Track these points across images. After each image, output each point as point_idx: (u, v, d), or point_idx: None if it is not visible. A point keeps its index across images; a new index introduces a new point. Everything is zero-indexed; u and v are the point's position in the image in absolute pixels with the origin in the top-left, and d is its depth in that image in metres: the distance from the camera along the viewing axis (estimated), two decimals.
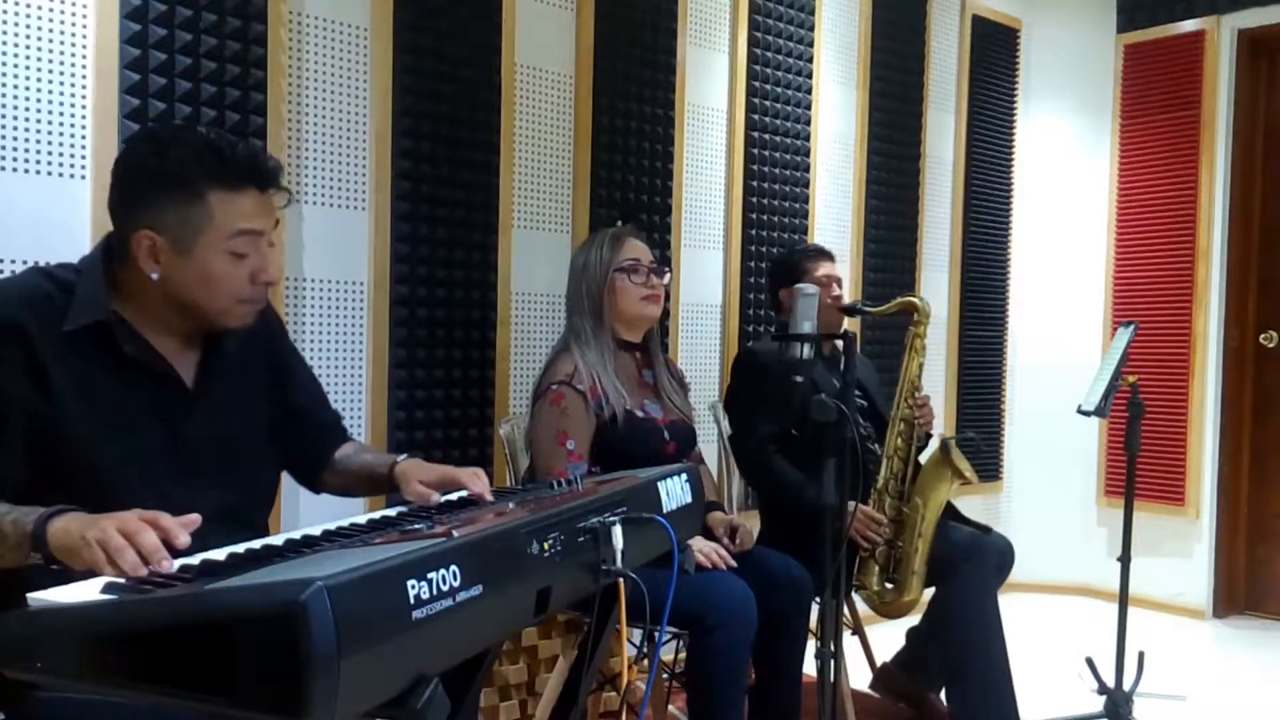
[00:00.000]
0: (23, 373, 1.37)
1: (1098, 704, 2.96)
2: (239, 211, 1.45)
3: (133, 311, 1.47)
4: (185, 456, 1.49)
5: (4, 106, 2.05)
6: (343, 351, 2.54)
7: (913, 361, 2.81)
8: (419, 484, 1.59)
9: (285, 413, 1.69)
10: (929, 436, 2.86)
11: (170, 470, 1.45)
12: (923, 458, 2.81)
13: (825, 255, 2.96)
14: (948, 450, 2.68)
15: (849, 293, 2.94)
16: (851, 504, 2.63)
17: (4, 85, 2.05)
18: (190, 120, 2.24)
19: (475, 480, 1.59)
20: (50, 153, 2.11)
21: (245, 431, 1.60)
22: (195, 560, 1.17)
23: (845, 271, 3.02)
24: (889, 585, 2.73)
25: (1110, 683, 2.93)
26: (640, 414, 2.37)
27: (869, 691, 3.08)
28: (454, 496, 1.60)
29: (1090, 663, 3.04)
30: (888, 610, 2.75)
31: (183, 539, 1.19)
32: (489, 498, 1.58)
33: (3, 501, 1.30)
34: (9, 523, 1.26)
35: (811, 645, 2.33)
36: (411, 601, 0.98)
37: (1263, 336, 4.29)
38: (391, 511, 1.54)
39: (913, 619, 2.90)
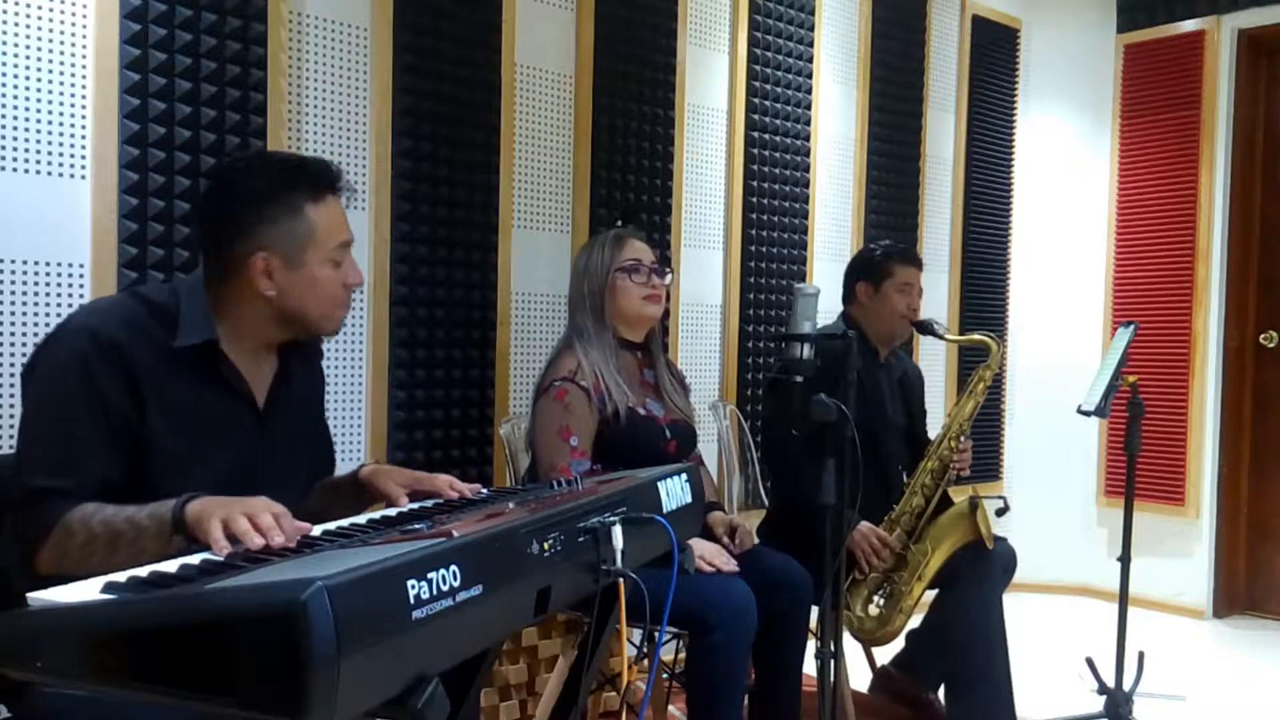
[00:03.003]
0: (123, 387, 1.44)
1: (1098, 704, 2.96)
2: (336, 222, 1.58)
3: (223, 334, 1.55)
4: (251, 472, 1.56)
5: (4, 106, 2.05)
6: (343, 351, 2.54)
7: (969, 403, 2.76)
8: (392, 484, 1.65)
9: (316, 453, 1.79)
10: (959, 477, 2.79)
11: (238, 485, 1.48)
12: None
13: (913, 260, 2.89)
14: (974, 509, 2.63)
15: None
16: (864, 524, 2.63)
17: (4, 85, 2.05)
18: (190, 120, 2.25)
19: (448, 489, 1.63)
20: (50, 153, 2.11)
21: (298, 454, 1.69)
22: (195, 560, 1.17)
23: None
24: (872, 613, 2.71)
25: (1110, 683, 2.93)
26: (642, 411, 2.37)
27: (869, 692, 3.08)
28: (430, 503, 1.61)
29: (1090, 663, 3.04)
30: (866, 636, 2.73)
31: (276, 541, 1.26)
32: (467, 493, 1.63)
33: (112, 505, 1.38)
34: (146, 517, 1.35)
35: (811, 645, 2.33)
36: (411, 601, 0.98)
37: (1263, 336, 4.29)
38: (392, 511, 1.54)
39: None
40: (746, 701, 2.27)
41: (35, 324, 2.09)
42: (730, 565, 2.23)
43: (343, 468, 1.85)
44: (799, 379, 2.18)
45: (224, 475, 1.50)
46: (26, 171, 2.08)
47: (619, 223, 2.71)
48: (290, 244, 1.53)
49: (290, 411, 1.66)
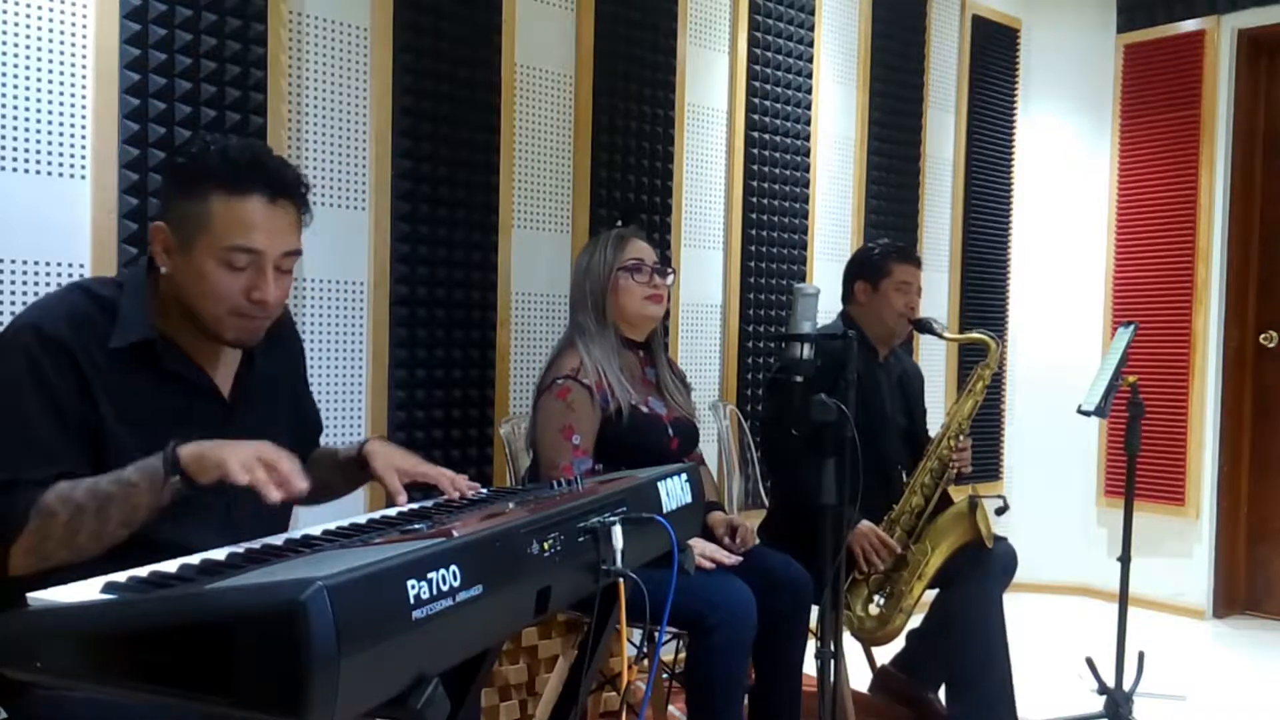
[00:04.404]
0: (74, 384, 1.40)
1: (1098, 704, 2.96)
2: (240, 222, 1.44)
3: (172, 325, 1.50)
4: None
5: (4, 106, 2.05)
6: (343, 351, 2.54)
7: (968, 402, 2.76)
8: (395, 471, 1.61)
9: (299, 424, 1.76)
10: (959, 476, 2.79)
11: None
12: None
13: (912, 259, 2.87)
14: (974, 508, 2.63)
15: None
16: (864, 523, 2.63)
17: (4, 85, 2.05)
18: (190, 120, 2.25)
19: (449, 485, 1.62)
20: (50, 153, 2.11)
21: (276, 442, 1.61)
22: (195, 560, 1.17)
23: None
24: (872, 613, 2.71)
25: (1110, 683, 2.93)
26: (645, 409, 2.37)
27: (869, 692, 3.08)
28: (430, 503, 1.60)
29: (1090, 663, 3.04)
30: (866, 636, 2.73)
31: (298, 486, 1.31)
32: (467, 494, 1.61)
33: (87, 478, 1.36)
34: (133, 472, 1.33)
35: (811, 645, 2.33)
36: (411, 601, 0.98)
37: (1263, 336, 4.29)
38: (391, 511, 1.54)
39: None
40: (746, 701, 2.27)
41: None
42: (730, 558, 2.22)
43: (352, 444, 1.82)
44: (799, 379, 2.18)
45: None
46: (26, 171, 2.08)
47: (619, 223, 2.71)
48: (183, 226, 1.45)
49: (262, 395, 1.62)
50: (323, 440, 1.89)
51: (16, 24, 2.06)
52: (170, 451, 1.31)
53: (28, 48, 2.07)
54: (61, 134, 2.12)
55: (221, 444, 1.32)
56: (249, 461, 1.29)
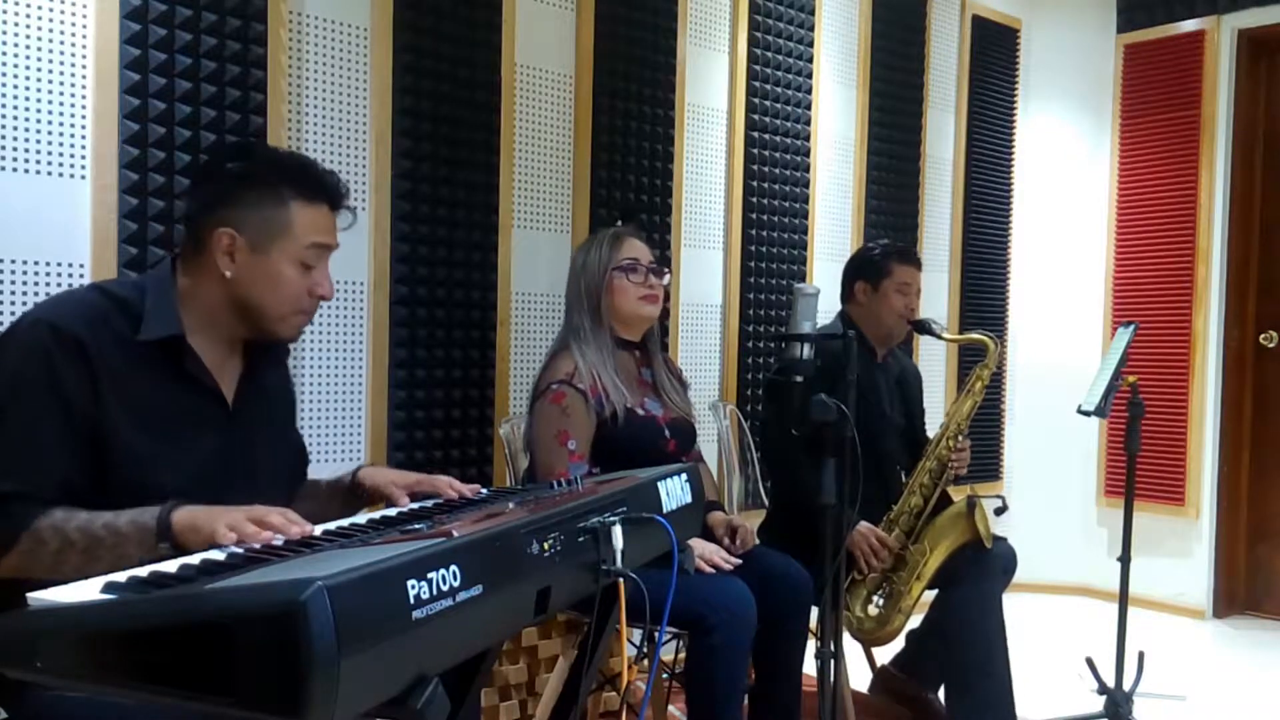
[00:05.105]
0: (86, 383, 1.41)
1: (1098, 704, 2.96)
2: (316, 225, 1.55)
3: (190, 326, 1.53)
4: (221, 470, 1.54)
5: (4, 106, 2.05)
6: (343, 351, 2.54)
7: (967, 402, 2.75)
8: (391, 483, 1.65)
9: (294, 448, 1.80)
10: (958, 477, 2.78)
11: (208, 482, 1.48)
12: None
13: (912, 260, 2.87)
14: (973, 508, 2.63)
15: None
16: (863, 524, 2.63)
17: (4, 85, 2.05)
18: (190, 120, 2.24)
19: (448, 489, 1.63)
20: (50, 153, 2.11)
21: (272, 451, 1.66)
22: (195, 560, 1.17)
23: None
24: (872, 613, 2.71)
25: (1110, 683, 2.93)
26: (641, 412, 2.37)
27: (869, 692, 3.08)
28: (429, 503, 1.61)
29: (1090, 663, 3.04)
30: (866, 636, 2.73)
31: (293, 531, 1.30)
32: (467, 494, 1.63)
33: (83, 511, 1.36)
34: (126, 523, 1.33)
35: (811, 645, 2.33)
36: (411, 601, 0.98)
37: (1263, 336, 4.29)
38: (392, 511, 1.54)
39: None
40: (746, 701, 2.26)
41: None
42: (729, 564, 2.22)
43: (342, 468, 1.85)
44: (799, 379, 2.18)
45: (191, 472, 1.47)
46: (26, 171, 2.08)
47: (619, 222, 2.71)
48: (260, 229, 1.51)
49: (262, 406, 1.64)
50: (323, 440, 1.91)
51: (16, 24, 2.06)
52: (165, 514, 1.32)
53: (28, 48, 2.07)
54: (61, 134, 2.12)
55: (213, 513, 1.30)
56: (236, 521, 1.28)
